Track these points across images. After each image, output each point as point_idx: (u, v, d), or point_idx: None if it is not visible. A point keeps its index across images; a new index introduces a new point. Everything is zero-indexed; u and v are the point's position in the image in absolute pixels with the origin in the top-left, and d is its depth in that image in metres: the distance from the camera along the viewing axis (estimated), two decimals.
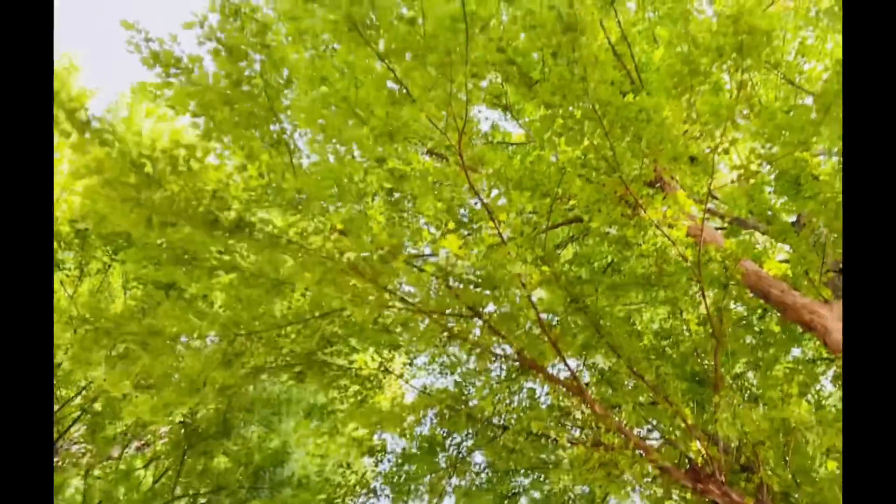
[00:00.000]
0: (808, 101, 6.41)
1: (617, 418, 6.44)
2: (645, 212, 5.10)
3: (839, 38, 6.59)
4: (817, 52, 6.68)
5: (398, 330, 5.06)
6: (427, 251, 5.75)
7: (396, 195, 4.74)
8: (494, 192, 5.17)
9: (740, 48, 4.61)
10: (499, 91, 6.47)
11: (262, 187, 3.73)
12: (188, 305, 5.35)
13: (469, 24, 3.48)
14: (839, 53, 6.30)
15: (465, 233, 4.94)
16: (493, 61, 4.04)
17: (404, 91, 3.79)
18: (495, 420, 5.85)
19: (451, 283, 4.71)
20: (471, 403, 5.96)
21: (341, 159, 4.01)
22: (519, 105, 7.07)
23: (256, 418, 9.60)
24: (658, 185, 6.20)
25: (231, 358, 5.11)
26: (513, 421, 5.59)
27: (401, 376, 6.07)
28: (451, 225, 4.57)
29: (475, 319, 4.90)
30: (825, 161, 6.52)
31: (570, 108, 4.68)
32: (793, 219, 7.09)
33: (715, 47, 4.64)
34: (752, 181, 5.70)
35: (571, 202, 5.49)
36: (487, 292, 4.75)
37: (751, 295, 6.31)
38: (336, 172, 3.89)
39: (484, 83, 4.03)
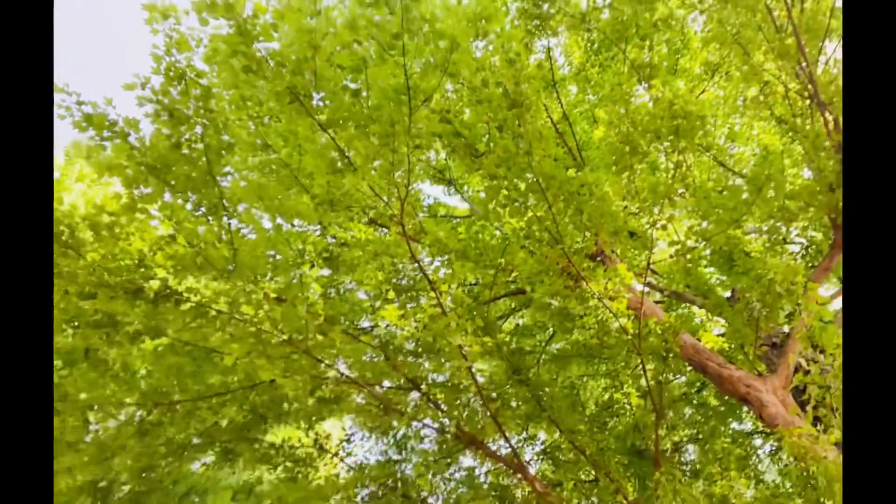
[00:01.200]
0: (738, 182, 6.73)
1: (558, 496, 6.26)
2: (587, 284, 5.12)
3: (764, 124, 7.03)
4: (744, 138, 7.09)
5: (334, 404, 4.83)
6: (366, 322, 5.59)
7: (336, 264, 4.61)
8: (436, 262, 5.12)
9: (676, 131, 4.82)
10: (443, 166, 6.55)
11: (191, 255, 3.54)
12: (106, 370, 4.97)
13: (412, 96, 3.49)
14: (766, 140, 6.69)
15: (408, 303, 4.83)
16: (438, 132, 4.05)
17: (346, 160, 3.74)
18: (432, 500, 5.59)
19: (389, 354, 4.56)
20: (408, 479, 5.70)
21: (279, 227, 3.88)
22: (463, 179, 7.17)
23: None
24: (599, 258, 6.30)
25: (148, 427, 4.73)
26: (451, 501, 5.35)
27: (336, 454, 5.74)
28: (391, 295, 4.46)
29: (413, 393, 4.73)
30: (756, 239, 6.80)
31: (515, 181, 4.73)
32: (728, 294, 7.30)
33: (653, 129, 4.83)
34: (689, 256, 5.85)
35: (514, 274, 5.49)
36: (427, 364, 4.60)
37: (689, 368, 6.37)
38: (273, 240, 3.76)
39: (431, 155, 4.04)
